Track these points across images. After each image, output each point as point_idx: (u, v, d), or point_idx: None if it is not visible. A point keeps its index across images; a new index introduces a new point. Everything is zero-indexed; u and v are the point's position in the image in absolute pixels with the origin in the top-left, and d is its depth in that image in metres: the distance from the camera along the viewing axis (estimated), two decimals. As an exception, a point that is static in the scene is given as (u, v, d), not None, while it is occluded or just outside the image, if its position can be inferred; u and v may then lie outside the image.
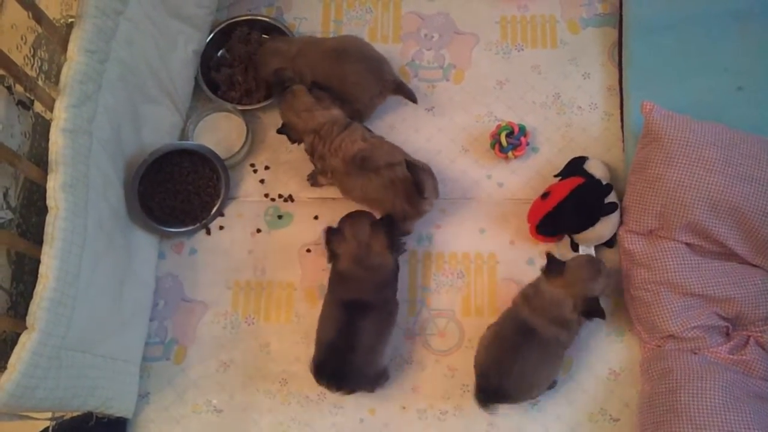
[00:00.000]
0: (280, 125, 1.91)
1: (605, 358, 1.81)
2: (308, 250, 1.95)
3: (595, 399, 1.77)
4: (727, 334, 1.75)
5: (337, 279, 1.74)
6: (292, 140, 1.91)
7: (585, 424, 1.75)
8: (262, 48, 2.04)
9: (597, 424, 1.75)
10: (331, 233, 1.76)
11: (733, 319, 1.74)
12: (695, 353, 1.72)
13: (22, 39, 1.68)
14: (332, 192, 1.99)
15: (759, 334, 1.72)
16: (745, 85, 1.96)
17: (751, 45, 1.99)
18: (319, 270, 1.92)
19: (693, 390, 1.61)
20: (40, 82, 1.65)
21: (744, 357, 1.69)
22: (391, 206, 1.78)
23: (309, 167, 1.96)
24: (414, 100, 2.01)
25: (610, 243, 1.87)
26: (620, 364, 1.80)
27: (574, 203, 1.80)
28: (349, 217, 1.80)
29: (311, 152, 1.88)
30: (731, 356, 1.70)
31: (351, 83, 1.93)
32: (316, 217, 1.98)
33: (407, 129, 2.05)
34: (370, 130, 1.90)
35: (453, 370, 1.81)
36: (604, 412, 1.76)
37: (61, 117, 1.50)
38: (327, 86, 1.94)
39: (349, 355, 1.64)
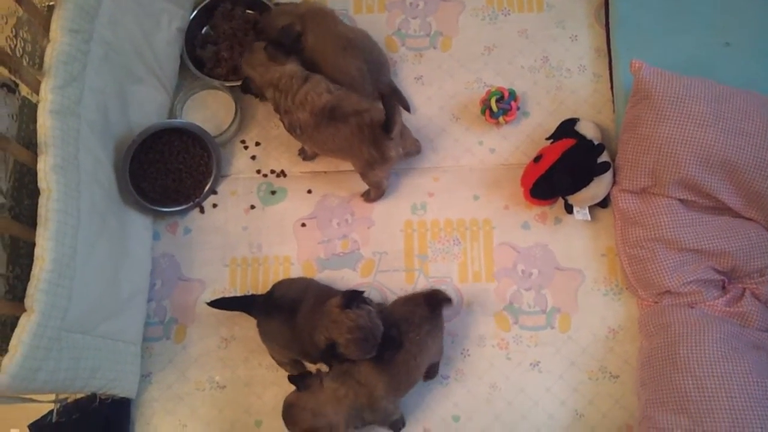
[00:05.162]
0: None
1: (603, 317, 1.82)
2: (303, 224, 1.94)
3: (594, 357, 1.79)
4: (723, 288, 1.77)
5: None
6: (255, 94, 1.91)
7: (586, 382, 1.77)
8: (268, 14, 2.00)
9: (597, 381, 1.77)
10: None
11: (728, 272, 1.76)
12: (692, 307, 1.74)
13: (3, 20, 1.65)
14: (324, 165, 1.99)
15: (754, 286, 1.74)
16: (732, 40, 1.96)
17: (737, 0, 1.99)
18: (315, 243, 1.92)
19: (691, 343, 1.63)
20: (24, 64, 1.62)
21: (740, 309, 1.71)
22: (358, 152, 1.77)
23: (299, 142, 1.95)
24: (407, 108, 1.99)
25: (604, 203, 1.88)
26: (618, 322, 1.82)
27: (567, 165, 1.80)
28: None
29: (276, 108, 1.87)
30: (728, 309, 1.72)
31: (351, 77, 1.91)
32: (309, 191, 1.97)
33: (397, 99, 2.04)
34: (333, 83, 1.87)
35: (453, 336, 1.82)
36: (604, 369, 1.78)
37: (47, 98, 1.49)
38: (314, 62, 1.92)
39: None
